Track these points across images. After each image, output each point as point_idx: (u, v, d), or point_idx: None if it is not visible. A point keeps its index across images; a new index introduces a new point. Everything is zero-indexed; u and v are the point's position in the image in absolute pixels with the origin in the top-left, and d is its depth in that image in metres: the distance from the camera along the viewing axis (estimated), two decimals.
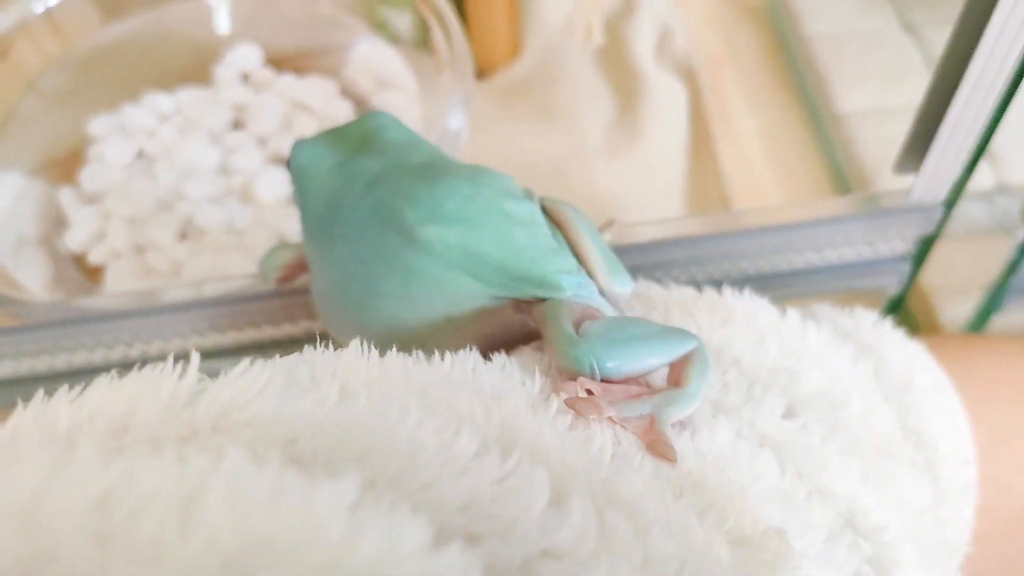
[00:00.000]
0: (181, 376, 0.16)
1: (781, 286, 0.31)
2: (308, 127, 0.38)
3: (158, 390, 0.15)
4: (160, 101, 0.39)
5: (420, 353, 0.18)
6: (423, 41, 0.37)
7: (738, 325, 0.22)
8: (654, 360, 0.19)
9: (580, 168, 0.40)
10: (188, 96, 0.39)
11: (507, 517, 0.14)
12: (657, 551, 0.15)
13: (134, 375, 0.16)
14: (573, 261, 0.21)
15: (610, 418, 0.18)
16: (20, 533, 0.11)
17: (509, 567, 0.14)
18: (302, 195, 0.23)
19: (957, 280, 0.36)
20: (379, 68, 0.40)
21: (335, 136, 0.23)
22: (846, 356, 0.23)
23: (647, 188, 0.39)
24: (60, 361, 0.30)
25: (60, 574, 0.11)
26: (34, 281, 0.33)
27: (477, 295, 0.20)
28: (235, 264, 0.34)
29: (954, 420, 0.25)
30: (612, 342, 0.18)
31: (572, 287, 0.20)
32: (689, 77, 0.43)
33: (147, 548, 0.11)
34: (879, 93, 0.42)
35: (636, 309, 0.23)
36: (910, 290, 0.36)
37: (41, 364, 0.30)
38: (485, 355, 0.19)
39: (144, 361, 0.30)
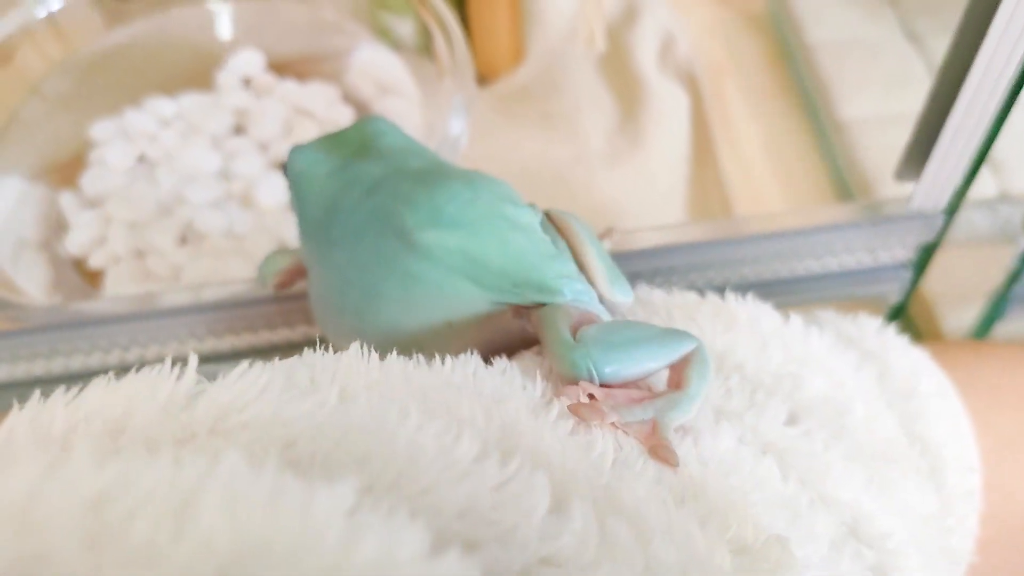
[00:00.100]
0: (179, 378, 0.16)
1: (782, 293, 0.31)
2: (309, 132, 0.38)
3: (155, 392, 0.15)
4: (162, 106, 0.39)
5: (420, 357, 0.18)
6: (425, 47, 0.37)
7: (741, 331, 0.22)
8: (653, 364, 0.18)
9: (582, 174, 0.40)
10: (190, 101, 0.39)
11: (507, 523, 0.14)
12: (658, 559, 0.15)
13: (131, 377, 0.16)
14: (574, 267, 0.21)
15: (612, 423, 0.17)
16: (13, 535, 0.11)
17: (508, 574, 0.13)
18: (300, 200, 0.23)
19: (960, 288, 0.36)
20: (381, 74, 0.40)
21: (333, 141, 0.23)
22: (850, 362, 0.23)
23: (649, 194, 0.39)
24: (57, 365, 0.30)
25: None
26: (34, 285, 0.33)
27: (477, 300, 0.20)
28: (235, 269, 0.34)
29: (958, 427, 0.24)
30: (609, 346, 0.18)
31: (573, 293, 0.20)
32: (691, 84, 0.43)
33: (141, 551, 0.11)
34: (881, 101, 0.42)
35: (638, 314, 0.23)
36: (912, 298, 0.36)
37: (38, 368, 0.30)
38: (485, 360, 0.19)
39: (142, 365, 0.30)
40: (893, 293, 0.32)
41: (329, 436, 0.15)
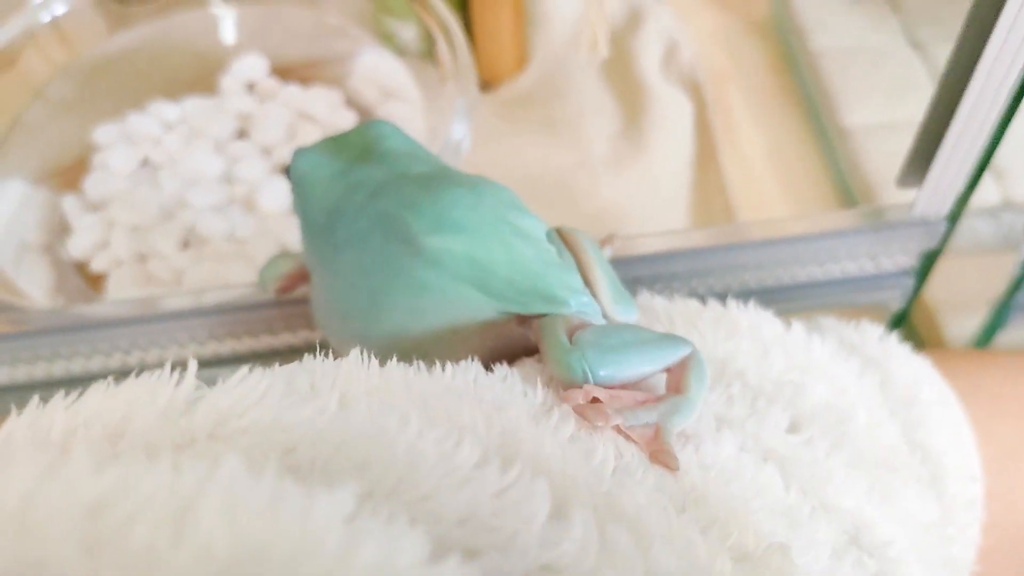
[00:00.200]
0: (178, 383, 0.16)
1: (784, 300, 0.31)
2: (313, 137, 0.38)
3: (155, 397, 0.15)
4: (165, 110, 0.39)
5: (421, 363, 0.18)
6: (428, 52, 0.37)
7: (743, 338, 0.22)
8: (648, 367, 0.18)
9: (585, 180, 0.40)
10: (193, 105, 0.39)
11: (507, 530, 0.14)
12: (659, 566, 0.15)
13: (131, 382, 0.16)
14: (579, 279, 0.21)
15: (617, 426, 0.17)
16: (11, 539, 0.11)
17: None
18: (303, 203, 0.23)
19: (962, 296, 0.36)
20: (384, 79, 0.40)
21: (336, 144, 0.23)
22: (852, 369, 0.23)
23: (652, 200, 0.39)
24: (58, 368, 0.30)
25: None
26: (36, 288, 0.33)
27: (482, 307, 0.20)
28: (237, 273, 0.34)
29: (960, 435, 0.24)
30: (605, 349, 0.18)
31: (578, 304, 0.20)
32: (695, 90, 0.43)
33: (140, 556, 0.11)
34: (885, 108, 0.42)
35: (639, 321, 0.23)
36: (915, 305, 0.36)
37: (39, 371, 0.30)
38: (487, 367, 0.19)
39: (142, 369, 0.30)
40: (895, 300, 0.32)
41: (329, 442, 0.15)
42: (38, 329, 0.29)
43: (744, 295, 0.27)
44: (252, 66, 0.40)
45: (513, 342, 0.20)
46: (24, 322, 0.30)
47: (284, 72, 0.40)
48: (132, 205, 0.35)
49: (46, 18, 0.38)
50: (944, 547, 0.23)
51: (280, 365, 0.17)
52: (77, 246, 0.35)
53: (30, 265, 0.34)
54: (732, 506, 0.17)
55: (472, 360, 0.19)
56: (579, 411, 0.17)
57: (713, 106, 0.43)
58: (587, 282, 0.21)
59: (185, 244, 0.35)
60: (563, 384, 0.18)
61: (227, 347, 0.30)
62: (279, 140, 0.38)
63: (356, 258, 0.21)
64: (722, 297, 0.24)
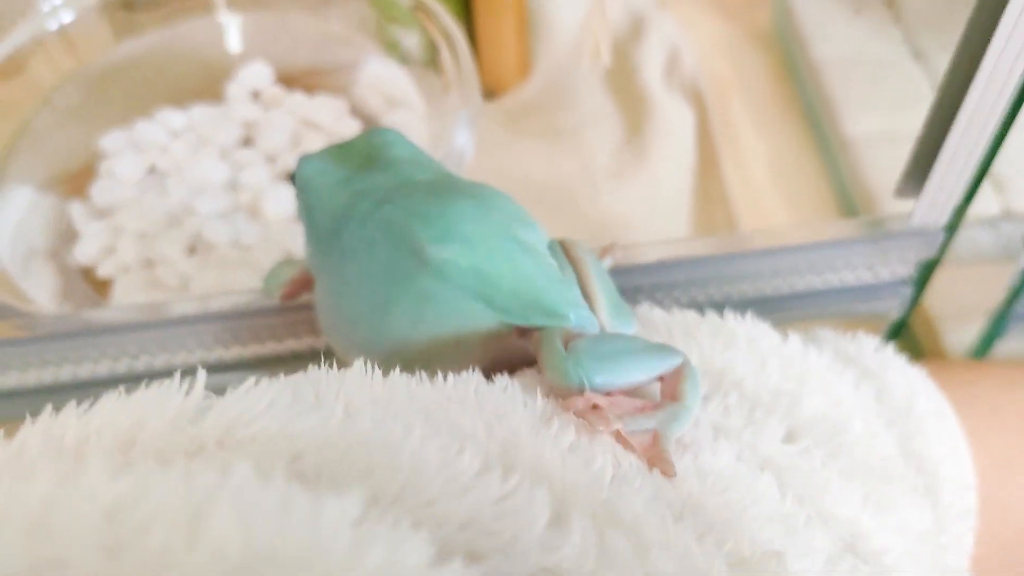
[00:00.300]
0: (188, 392, 0.16)
1: (783, 309, 0.31)
2: (317, 145, 0.38)
3: (165, 406, 0.16)
4: (172, 117, 0.39)
5: (423, 373, 0.19)
6: (432, 61, 0.38)
7: (740, 349, 0.22)
8: (641, 375, 0.19)
9: (587, 188, 0.40)
10: (200, 113, 0.39)
11: (508, 535, 0.14)
12: (656, 571, 0.15)
13: (141, 391, 0.16)
14: (579, 294, 0.21)
15: (616, 432, 0.18)
16: (31, 543, 0.12)
17: None
18: (308, 209, 0.23)
19: (961, 305, 0.36)
20: (388, 87, 0.41)
21: (341, 151, 0.23)
22: (848, 380, 0.23)
23: (654, 209, 0.40)
24: (65, 373, 0.30)
25: None
26: (43, 293, 0.34)
27: (485, 319, 0.20)
28: (242, 279, 0.34)
29: (955, 445, 0.25)
30: (601, 357, 0.19)
31: (578, 319, 0.20)
32: (697, 99, 0.43)
33: (156, 557, 0.11)
34: (886, 118, 0.42)
35: (638, 333, 0.23)
36: (915, 315, 0.36)
37: (47, 376, 0.30)
38: (487, 376, 0.19)
39: (149, 374, 0.30)
40: (894, 309, 0.32)
41: (334, 450, 0.15)
42: (45, 334, 0.30)
43: (743, 304, 0.27)
44: (257, 74, 0.40)
45: (513, 353, 0.21)
46: (32, 327, 0.30)
47: (289, 80, 0.41)
48: (139, 212, 0.36)
49: (53, 26, 0.39)
50: (939, 556, 0.23)
51: (284, 370, 0.18)
52: (84, 252, 0.35)
53: (38, 271, 0.35)
54: (728, 514, 0.18)
55: (473, 370, 0.19)
56: (581, 416, 0.18)
57: (715, 115, 0.43)
58: (586, 296, 0.21)
59: (191, 250, 0.36)
60: (561, 392, 0.19)
61: (232, 352, 0.30)
62: (284, 148, 0.38)
63: (362, 266, 0.21)
64: (721, 306, 0.24)
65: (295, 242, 0.35)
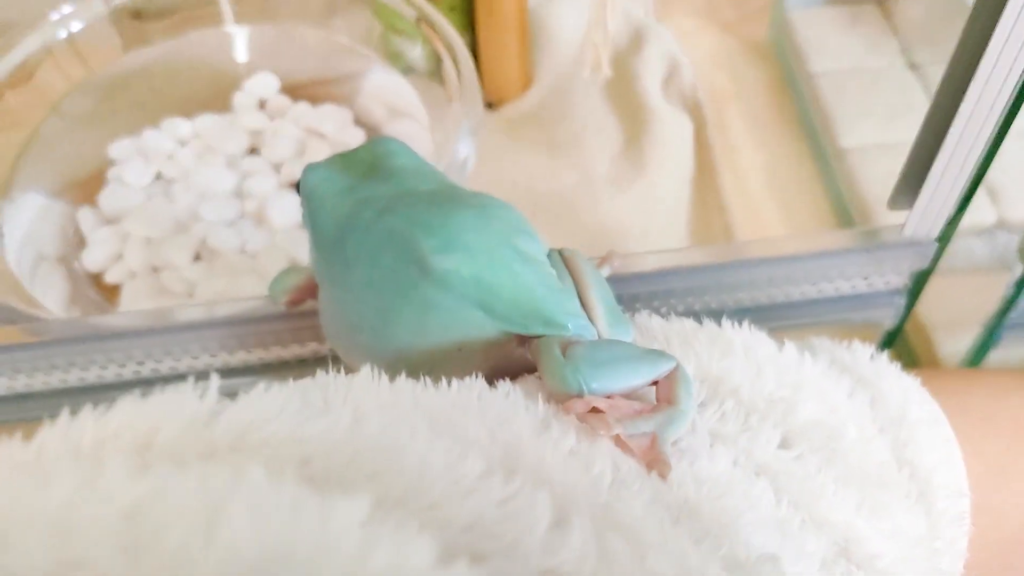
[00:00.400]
0: (202, 396, 0.16)
1: (779, 318, 0.31)
2: (322, 153, 0.39)
3: (180, 409, 0.16)
4: (179, 126, 0.40)
5: (428, 379, 0.19)
6: (435, 72, 0.38)
7: (737, 357, 0.23)
8: (636, 380, 0.19)
9: (587, 198, 0.41)
10: (207, 121, 0.40)
11: (510, 537, 0.15)
12: (654, 573, 0.15)
13: (157, 395, 0.16)
14: (578, 304, 0.21)
15: (616, 435, 0.18)
16: (52, 542, 0.12)
17: None
18: (313, 217, 0.23)
19: (955, 315, 0.37)
20: (391, 97, 0.41)
21: (344, 161, 0.24)
22: (843, 388, 0.24)
23: (652, 218, 0.40)
24: (73, 377, 0.30)
25: None
26: (51, 299, 0.34)
27: (486, 328, 0.21)
28: (248, 286, 0.34)
29: (948, 452, 0.25)
30: (597, 363, 0.19)
31: (577, 329, 0.21)
32: (695, 111, 0.44)
33: (174, 557, 0.12)
34: (882, 129, 0.42)
35: (637, 340, 0.24)
36: (910, 324, 0.36)
37: (55, 380, 0.30)
38: (489, 382, 0.19)
39: (155, 379, 0.30)
40: (888, 319, 0.33)
41: (343, 454, 0.15)
42: (53, 339, 0.30)
43: (740, 313, 0.28)
44: (264, 84, 0.41)
45: (514, 360, 0.21)
46: (40, 332, 0.30)
47: (295, 90, 0.41)
48: (146, 218, 0.36)
49: (63, 34, 0.39)
50: (932, 561, 0.23)
51: (289, 375, 0.18)
52: (92, 258, 0.36)
53: (47, 276, 0.35)
54: (725, 518, 0.18)
55: (476, 376, 0.19)
56: (582, 419, 0.18)
57: (713, 126, 0.43)
58: (585, 305, 0.22)
59: (197, 257, 0.36)
60: (560, 398, 0.19)
61: (237, 358, 0.31)
62: (289, 156, 0.39)
63: (366, 274, 0.22)
64: (718, 314, 0.24)
65: (300, 249, 0.36)
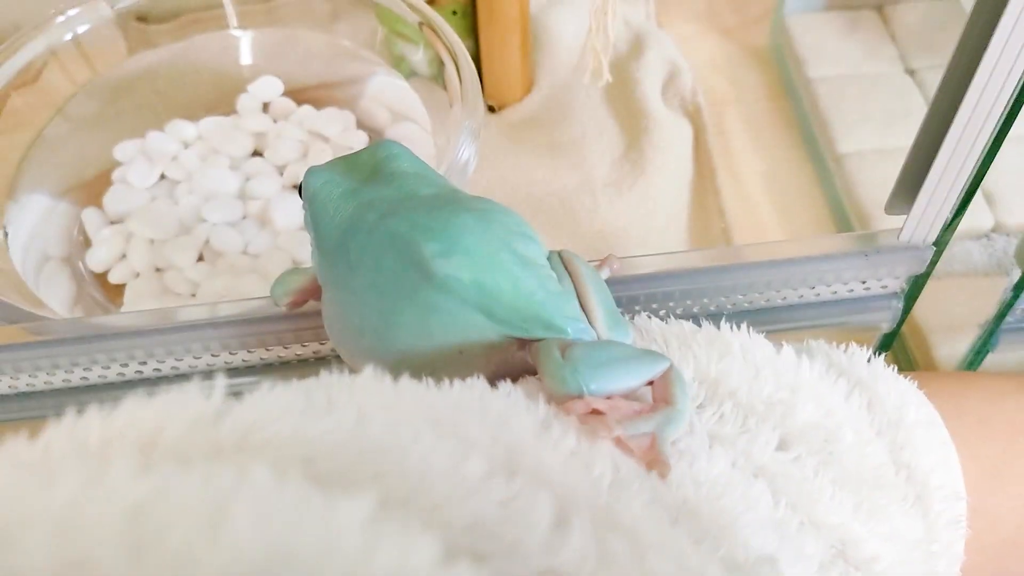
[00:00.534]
0: (207, 396, 0.16)
1: (776, 320, 0.31)
2: (324, 156, 0.39)
3: (186, 409, 0.16)
4: (184, 128, 0.40)
5: (430, 380, 0.19)
6: (437, 76, 0.38)
7: (735, 359, 0.23)
8: (633, 381, 0.20)
9: (587, 201, 0.41)
10: (211, 124, 0.40)
11: (511, 537, 0.15)
12: (653, 573, 0.15)
13: (163, 394, 0.16)
14: (578, 307, 0.22)
15: (618, 437, 0.18)
16: (57, 542, 0.12)
17: None
18: (315, 220, 0.23)
19: (953, 318, 0.37)
20: (394, 101, 0.41)
21: (347, 163, 0.24)
22: (840, 391, 0.24)
23: (651, 222, 0.40)
24: (76, 376, 0.31)
25: None
26: (56, 299, 0.34)
27: (486, 331, 0.21)
28: (250, 286, 0.35)
29: (944, 455, 0.25)
30: (595, 364, 0.19)
31: (576, 332, 0.21)
32: (695, 115, 0.44)
33: (180, 556, 0.12)
34: (880, 135, 0.43)
35: (636, 342, 0.24)
36: (907, 327, 0.36)
37: (57, 379, 0.31)
38: (491, 384, 0.20)
39: (158, 379, 0.31)
40: (885, 322, 0.33)
41: (347, 454, 0.15)
42: (57, 339, 0.30)
43: (738, 316, 0.28)
44: (268, 87, 0.41)
45: (515, 363, 0.21)
46: (44, 332, 0.30)
47: (298, 93, 0.42)
48: (150, 219, 0.37)
49: (68, 36, 0.40)
50: (929, 563, 0.24)
51: (291, 375, 0.18)
52: (96, 258, 0.36)
53: (51, 276, 0.35)
54: (723, 519, 0.18)
55: (478, 378, 0.20)
56: (583, 422, 0.18)
57: (712, 131, 0.44)
58: (584, 308, 0.22)
59: (200, 258, 0.36)
60: (560, 400, 0.19)
61: (239, 358, 0.31)
62: (292, 159, 0.39)
63: (369, 277, 0.22)
64: (717, 317, 0.24)
65: (303, 251, 0.36)
